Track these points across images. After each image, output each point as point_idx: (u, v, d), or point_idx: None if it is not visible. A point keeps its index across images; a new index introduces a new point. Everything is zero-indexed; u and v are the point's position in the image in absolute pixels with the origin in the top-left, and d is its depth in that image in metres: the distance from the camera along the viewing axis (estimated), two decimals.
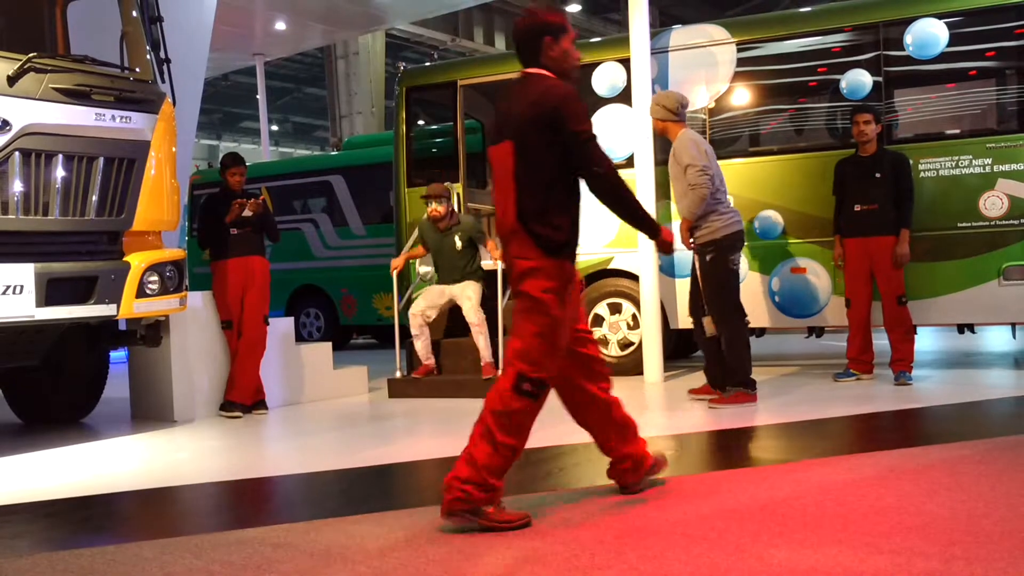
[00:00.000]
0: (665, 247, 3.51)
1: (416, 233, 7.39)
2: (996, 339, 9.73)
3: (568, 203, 3.19)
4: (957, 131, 6.77)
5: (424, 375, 7.09)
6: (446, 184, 7.30)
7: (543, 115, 3.10)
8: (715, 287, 5.71)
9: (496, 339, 6.91)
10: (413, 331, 7.05)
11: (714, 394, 5.87)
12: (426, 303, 7.05)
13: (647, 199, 6.92)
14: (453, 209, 7.16)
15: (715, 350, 5.87)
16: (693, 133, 5.88)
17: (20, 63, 4.73)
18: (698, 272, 5.85)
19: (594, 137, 3.17)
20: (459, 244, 7.00)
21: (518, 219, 3.14)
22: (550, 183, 3.15)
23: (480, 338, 6.89)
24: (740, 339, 5.71)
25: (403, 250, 7.70)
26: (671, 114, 5.80)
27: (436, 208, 6.96)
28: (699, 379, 7.19)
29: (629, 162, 7.26)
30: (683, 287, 7.41)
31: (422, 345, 7.08)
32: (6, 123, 4.64)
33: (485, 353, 6.91)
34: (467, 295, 6.91)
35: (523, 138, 3.14)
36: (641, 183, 6.95)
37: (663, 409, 5.87)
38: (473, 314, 6.86)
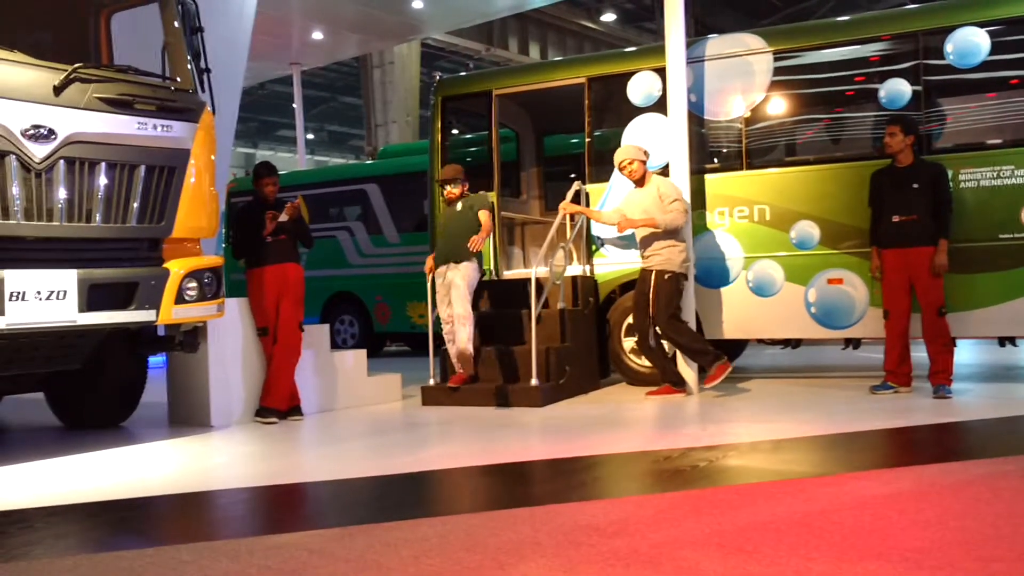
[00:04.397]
0: None
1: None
2: None
3: None
4: (998, 141, 6.67)
5: (460, 384, 6.85)
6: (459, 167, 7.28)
7: None
8: (666, 301, 6.68)
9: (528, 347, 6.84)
10: (447, 337, 6.89)
11: (676, 391, 6.83)
12: (445, 304, 6.86)
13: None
14: (466, 189, 7.18)
15: (662, 353, 6.96)
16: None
17: (66, 73, 4.83)
18: (652, 287, 6.74)
19: None
20: (460, 207, 7.01)
21: None
22: None
23: (462, 331, 6.69)
24: (687, 334, 6.80)
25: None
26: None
27: (451, 191, 7.07)
28: (733, 391, 7.15)
29: (664, 171, 7.25)
30: (717, 298, 7.38)
31: (456, 351, 6.82)
32: (52, 132, 4.73)
33: (463, 346, 6.70)
34: (457, 281, 6.73)
35: None
36: None
37: (699, 419, 5.84)
38: (460, 304, 6.68)
